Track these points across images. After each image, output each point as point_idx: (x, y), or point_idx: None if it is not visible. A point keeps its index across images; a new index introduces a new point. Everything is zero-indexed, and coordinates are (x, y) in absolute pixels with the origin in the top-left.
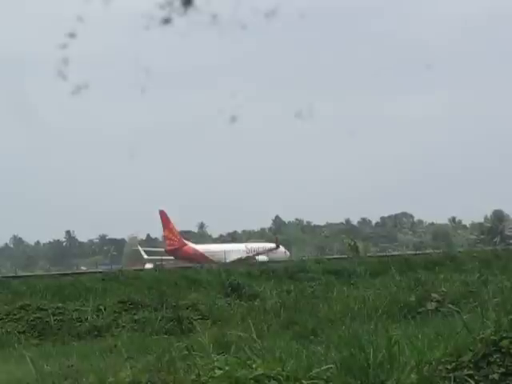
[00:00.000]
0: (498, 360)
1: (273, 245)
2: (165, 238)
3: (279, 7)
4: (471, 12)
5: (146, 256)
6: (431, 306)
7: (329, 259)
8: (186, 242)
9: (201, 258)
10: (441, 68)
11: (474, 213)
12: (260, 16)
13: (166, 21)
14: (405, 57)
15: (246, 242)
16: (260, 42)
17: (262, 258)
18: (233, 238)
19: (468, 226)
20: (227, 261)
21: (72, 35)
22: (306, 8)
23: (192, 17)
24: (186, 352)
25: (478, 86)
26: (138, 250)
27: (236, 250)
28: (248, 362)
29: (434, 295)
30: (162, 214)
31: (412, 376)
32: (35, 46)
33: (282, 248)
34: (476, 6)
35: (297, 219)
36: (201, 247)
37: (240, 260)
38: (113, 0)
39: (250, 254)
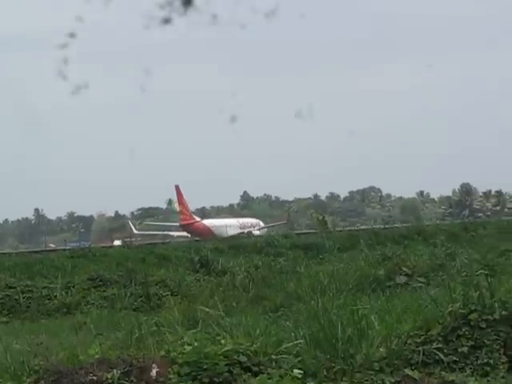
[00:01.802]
0: (466, 333)
1: (257, 220)
2: (179, 212)
3: (279, 7)
4: None
5: (135, 231)
6: (400, 279)
7: (297, 234)
8: (195, 217)
9: (208, 232)
10: (412, 41)
11: (442, 186)
12: (260, 16)
13: (166, 21)
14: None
15: (215, 217)
16: (260, 42)
17: (256, 232)
18: (203, 213)
19: (436, 199)
20: (227, 235)
21: (72, 35)
22: (307, 8)
23: (192, 17)
24: (156, 328)
25: (447, 60)
26: (106, 226)
27: (233, 225)
28: (217, 337)
29: (403, 269)
30: (177, 189)
31: (381, 350)
32: (35, 46)
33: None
34: None
35: (265, 194)
36: (207, 222)
37: (238, 235)
38: (113, 0)
39: (244, 230)
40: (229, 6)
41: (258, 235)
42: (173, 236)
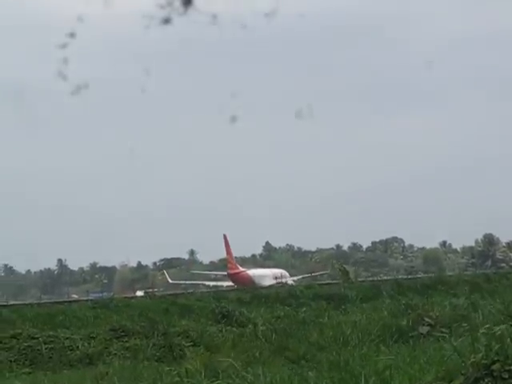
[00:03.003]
0: None
1: (284, 271)
2: (227, 261)
3: (279, 7)
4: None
5: (170, 280)
6: (423, 330)
7: (319, 284)
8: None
9: (250, 282)
10: (438, 89)
11: (464, 237)
12: (260, 16)
13: (166, 21)
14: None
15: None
16: (260, 41)
17: (290, 282)
18: (224, 264)
19: (459, 249)
20: (264, 285)
21: (72, 35)
22: (306, 8)
23: (192, 17)
24: (178, 379)
25: (468, 110)
26: (129, 277)
27: (268, 275)
28: None
29: (426, 319)
30: (225, 238)
31: None
32: (35, 46)
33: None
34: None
35: (287, 245)
36: (249, 272)
37: (274, 284)
38: (113, 0)
39: (279, 279)
40: (229, 6)
41: (293, 285)
42: (222, 286)
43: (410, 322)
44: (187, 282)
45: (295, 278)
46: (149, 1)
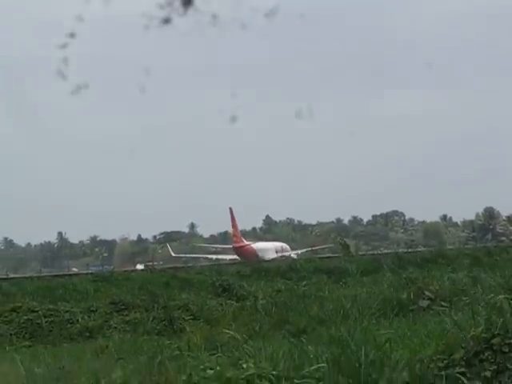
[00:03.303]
0: (489, 357)
1: (285, 244)
2: (232, 235)
3: (279, 7)
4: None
5: (173, 254)
6: (423, 303)
7: (320, 258)
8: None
9: (253, 256)
10: (437, 66)
11: (465, 210)
12: (260, 16)
13: (166, 21)
14: (398, 54)
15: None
16: (260, 41)
17: (293, 255)
18: (225, 237)
19: (459, 223)
20: (267, 259)
21: (72, 35)
22: (306, 7)
23: (192, 17)
24: (178, 352)
25: (472, 85)
26: (129, 250)
27: (272, 249)
28: (239, 361)
29: (426, 293)
30: (231, 212)
31: (404, 374)
32: (35, 46)
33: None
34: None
35: (288, 218)
36: (254, 245)
37: (277, 258)
38: (113, 0)
39: (282, 253)
40: (229, 5)
41: (295, 259)
42: (225, 259)
43: (411, 295)
44: (190, 256)
45: (299, 252)
46: (149, 1)
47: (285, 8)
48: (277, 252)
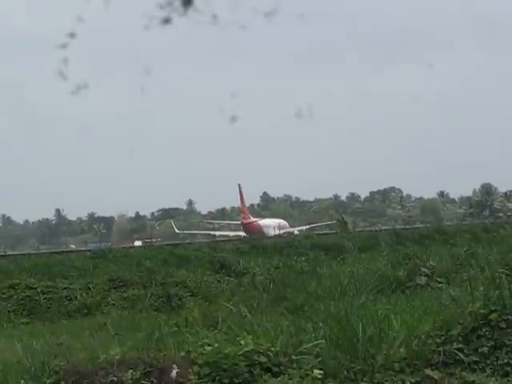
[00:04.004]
0: (487, 333)
1: (282, 221)
2: (240, 211)
3: (279, 7)
4: None
5: (177, 231)
6: (420, 280)
7: (318, 234)
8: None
9: (259, 232)
10: (435, 43)
11: (462, 187)
12: (260, 16)
13: (166, 21)
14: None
15: (235, 218)
16: (260, 41)
17: (296, 232)
18: (223, 214)
19: (457, 200)
20: (270, 235)
21: (72, 35)
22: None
23: (192, 17)
24: (176, 329)
25: (466, 56)
26: (127, 227)
27: (274, 226)
28: (237, 338)
29: (423, 269)
30: (239, 188)
31: (401, 350)
32: (35, 46)
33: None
34: None
35: (285, 195)
36: (261, 222)
37: (281, 234)
38: (113, 0)
39: (284, 229)
40: (229, 5)
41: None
42: (228, 236)
43: (408, 272)
44: (194, 232)
45: (303, 228)
46: (149, 1)
47: (285, 7)
48: (280, 229)
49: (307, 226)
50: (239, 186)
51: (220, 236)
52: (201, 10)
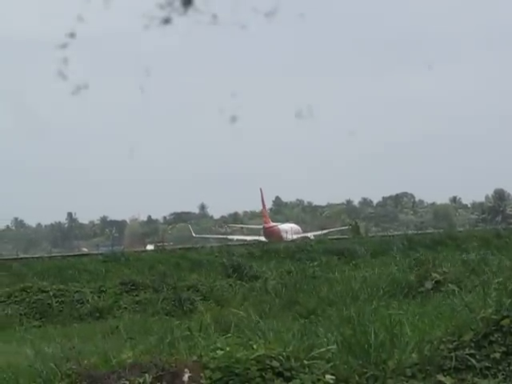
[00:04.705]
0: (499, 339)
1: (295, 225)
2: (263, 215)
3: (279, 7)
4: None
5: (194, 234)
6: (432, 285)
7: (330, 239)
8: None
9: (279, 236)
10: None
11: (475, 192)
12: (260, 16)
13: (166, 21)
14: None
15: (247, 222)
16: (260, 41)
17: (312, 237)
18: (235, 219)
19: (469, 205)
20: (288, 240)
21: (72, 35)
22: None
23: (192, 17)
24: (188, 333)
25: (480, 64)
26: (139, 231)
27: (290, 230)
28: (249, 342)
29: (434, 274)
30: (261, 192)
31: (413, 355)
32: (35, 46)
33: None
34: None
35: (297, 200)
36: (281, 227)
37: (299, 239)
38: (113, 0)
39: (299, 235)
40: (229, 5)
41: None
42: (245, 240)
43: (420, 277)
44: (212, 236)
45: (319, 233)
46: (149, 1)
47: (285, 7)
48: (296, 233)
49: (324, 231)
50: (261, 190)
51: (237, 240)
52: (201, 10)
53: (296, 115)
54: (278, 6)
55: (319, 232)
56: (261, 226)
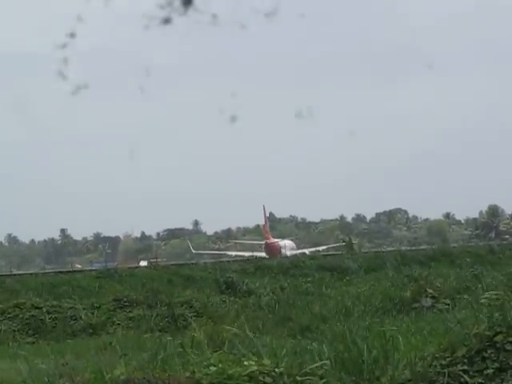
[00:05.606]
0: (492, 355)
1: (290, 241)
2: (263, 231)
3: (279, 7)
4: None
5: (193, 250)
6: (426, 301)
7: (323, 255)
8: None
9: (278, 252)
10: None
11: (468, 208)
12: (260, 16)
13: (166, 21)
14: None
15: (241, 238)
16: (260, 41)
17: (308, 253)
18: (228, 235)
19: (463, 221)
20: (288, 255)
21: (72, 35)
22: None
23: (192, 17)
24: (181, 349)
25: (472, 79)
26: (132, 247)
27: (288, 247)
28: (242, 358)
29: (428, 291)
30: (264, 209)
31: (406, 372)
32: (35, 46)
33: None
34: None
35: (291, 216)
36: (281, 243)
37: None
38: (113, 0)
39: (295, 251)
40: (229, 5)
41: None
42: (244, 256)
43: (413, 293)
44: (211, 252)
45: (314, 250)
46: (149, 1)
47: (285, 7)
48: (292, 249)
49: (321, 247)
50: (263, 207)
51: (236, 256)
52: (201, 10)
53: (296, 115)
54: (278, 6)
55: (315, 248)
56: (262, 242)
